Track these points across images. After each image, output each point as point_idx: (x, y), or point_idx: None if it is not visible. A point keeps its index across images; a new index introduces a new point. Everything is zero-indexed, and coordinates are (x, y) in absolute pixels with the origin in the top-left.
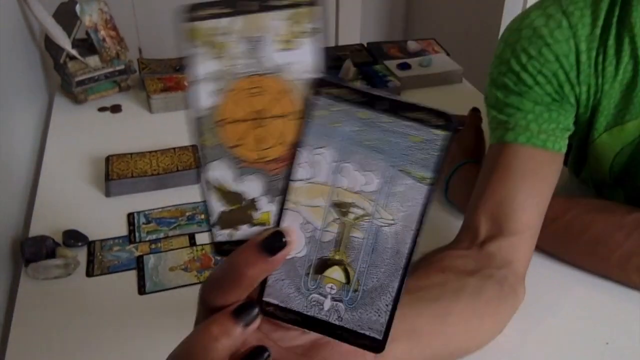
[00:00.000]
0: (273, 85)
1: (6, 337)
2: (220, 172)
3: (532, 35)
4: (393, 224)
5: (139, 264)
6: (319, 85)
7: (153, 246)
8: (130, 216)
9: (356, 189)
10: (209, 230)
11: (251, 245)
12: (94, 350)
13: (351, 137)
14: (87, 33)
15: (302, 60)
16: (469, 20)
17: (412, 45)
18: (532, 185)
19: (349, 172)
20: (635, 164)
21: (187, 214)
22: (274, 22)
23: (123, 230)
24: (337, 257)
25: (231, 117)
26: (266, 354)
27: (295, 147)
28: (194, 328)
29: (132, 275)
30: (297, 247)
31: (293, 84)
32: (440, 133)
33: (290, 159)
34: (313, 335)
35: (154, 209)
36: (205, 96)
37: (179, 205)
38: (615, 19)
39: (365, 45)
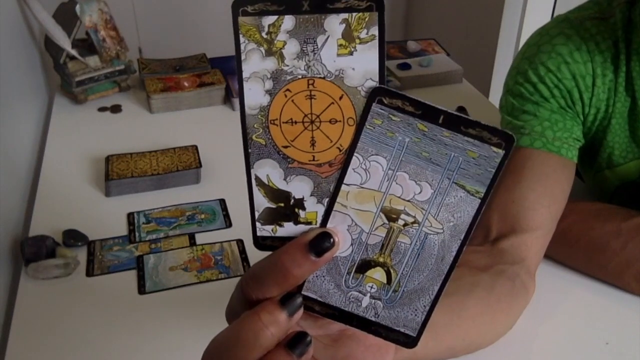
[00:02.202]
0: (330, 89)
1: (6, 337)
2: (269, 170)
3: (551, 51)
4: (441, 233)
5: (138, 264)
6: (378, 94)
7: (153, 246)
8: (130, 216)
9: (409, 197)
10: (252, 224)
11: (298, 244)
12: (94, 350)
13: (409, 147)
14: (87, 33)
15: (360, 67)
16: (469, 20)
17: (412, 45)
18: (545, 187)
19: (404, 180)
20: (634, 200)
21: (187, 213)
22: (330, 25)
23: (123, 230)
24: (381, 260)
25: (285, 117)
26: (308, 338)
27: (350, 152)
28: (229, 314)
29: (132, 275)
30: (342, 247)
31: (350, 89)
32: (499, 151)
33: (343, 163)
34: (339, 326)
35: (154, 209)
36: (259, 94)
37: (179, 205)
38: (623, 56)
39: None
